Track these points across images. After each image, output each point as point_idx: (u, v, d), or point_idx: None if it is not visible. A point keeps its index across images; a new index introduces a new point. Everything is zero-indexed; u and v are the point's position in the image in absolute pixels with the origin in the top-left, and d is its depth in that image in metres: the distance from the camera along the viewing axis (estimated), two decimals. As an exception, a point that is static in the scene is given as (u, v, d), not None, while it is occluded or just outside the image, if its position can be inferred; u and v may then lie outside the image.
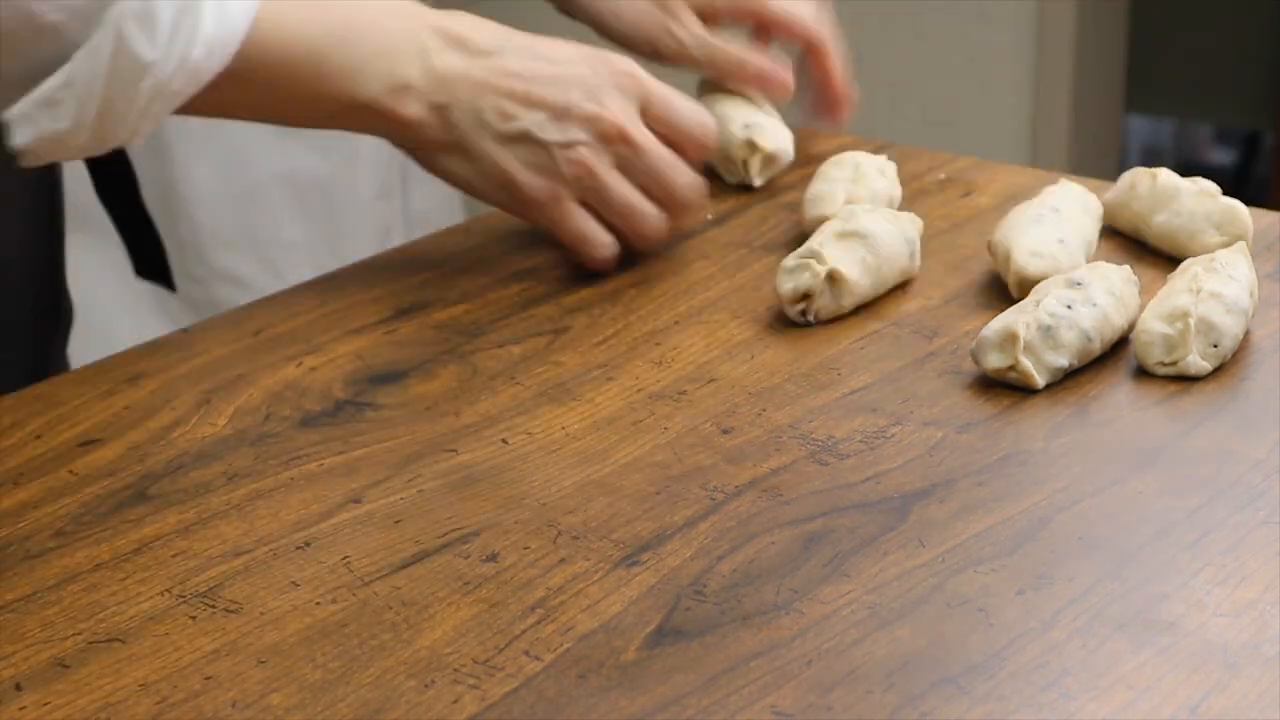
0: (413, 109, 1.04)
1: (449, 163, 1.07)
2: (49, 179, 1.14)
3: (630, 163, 1.06)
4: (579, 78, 1.06)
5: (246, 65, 0.97)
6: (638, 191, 1.07)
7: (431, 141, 1.06)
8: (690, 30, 1.19)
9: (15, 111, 0.91)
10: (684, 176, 1.09)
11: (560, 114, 1.05)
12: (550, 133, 1.05)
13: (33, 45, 0.90)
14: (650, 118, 1.07)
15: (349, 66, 1.01)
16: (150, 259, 1.18)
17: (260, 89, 1.00)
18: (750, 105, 1.24)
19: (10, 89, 0.91)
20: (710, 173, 1.26)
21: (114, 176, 1.16)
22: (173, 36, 0.92)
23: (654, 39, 1.19)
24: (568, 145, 1.05)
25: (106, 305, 2.33)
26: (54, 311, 1.16)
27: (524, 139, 1.05)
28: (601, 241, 1.07)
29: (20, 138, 0.92)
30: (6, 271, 1.10)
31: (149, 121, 0.95)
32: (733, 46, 1.19)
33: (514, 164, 1.05)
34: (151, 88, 0.93)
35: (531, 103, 1.05)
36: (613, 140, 1.06)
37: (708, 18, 1.20)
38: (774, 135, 1.22)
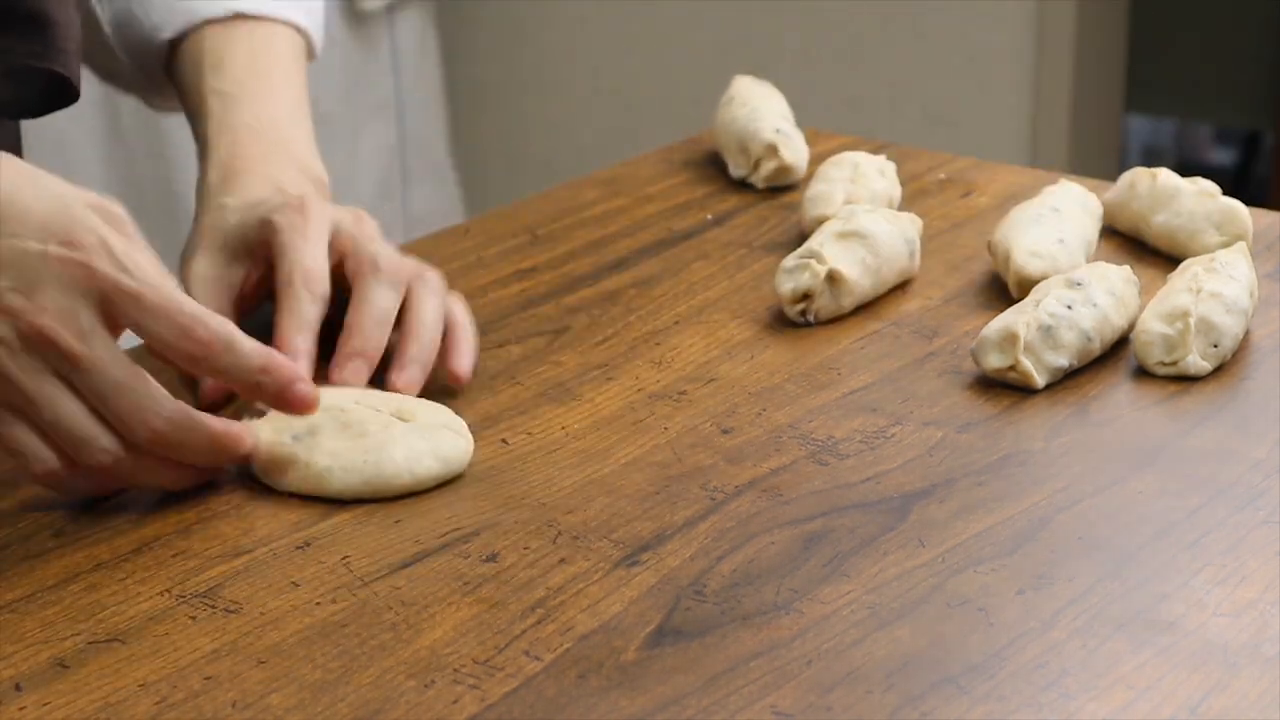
0: None
1: None
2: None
3: (69, 375, 0.82)
4: (20, 251, 0.81)
5: None
6: (78, 407, 0.83)
7: None
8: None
9: None
10: (150, 407, 0.83)
11: None
12: None
13: None
14: (117, 305, 0.83)
15: None
16: None
17: None
18: (786, 110, 1.25)
19: None
20: (713, 164, 1.27)
21: None
22: None
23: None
24: None
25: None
26: None
27: None
28: (38, 456, 0.84)
29: None
30: None
31: None
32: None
33: None
34: None
35: None
36: (39, 345, 0.81)
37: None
38: (796, 150, 1.22)
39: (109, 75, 1.21)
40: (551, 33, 2.94)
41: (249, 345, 0.86)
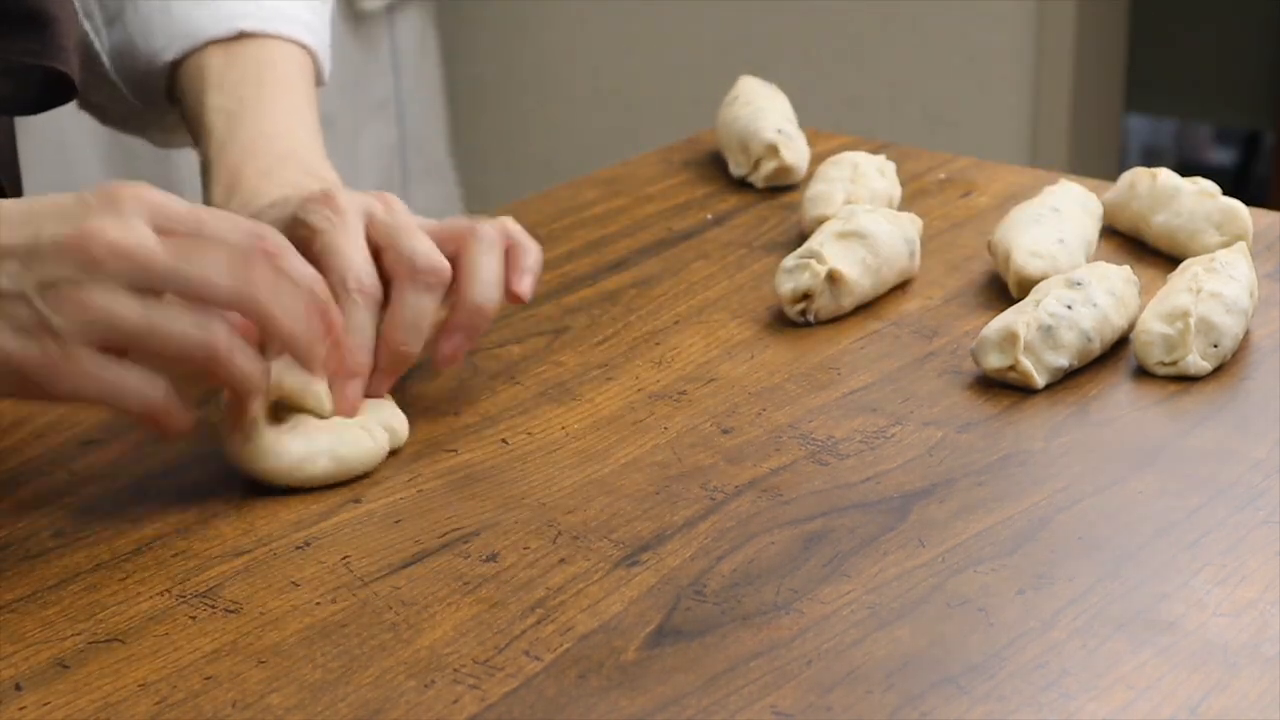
0: None
1: None
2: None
3: (146, 282, 0.80)
4: (57, 206, 0.81)
5: None
6: (168, 308, 0.81)
7: None
8: None
9: None
10: (233, 266, 0.81)
11: (31, 253, 0.79)
12: (22, 281, 0.79)
13: None
14: (173, 224, 0.81)
15: None
16: None
17: None
18: (789, 111, 1.25)
19: None
20: (713, 164, 1.27)
21: None
22: None
23: None
24: (47, 286, 0.79)
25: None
26: None
27: (1, 299, 0.79)
28: (151, 389, 0.82)
29: None
30: None
31: None
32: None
33: None
34: None
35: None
36: (103, 262, 0.79)
37: None
38: (798, 151, 1.22)
39: (114, 117, 1.20)
40: (551, 33, 2.94)
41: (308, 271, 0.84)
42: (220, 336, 0.81)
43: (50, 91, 1.01)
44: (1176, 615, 0.76)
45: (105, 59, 1.13)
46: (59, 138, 2.36)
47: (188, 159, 2.53)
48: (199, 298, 0.81)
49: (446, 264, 0.92)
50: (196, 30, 1.09)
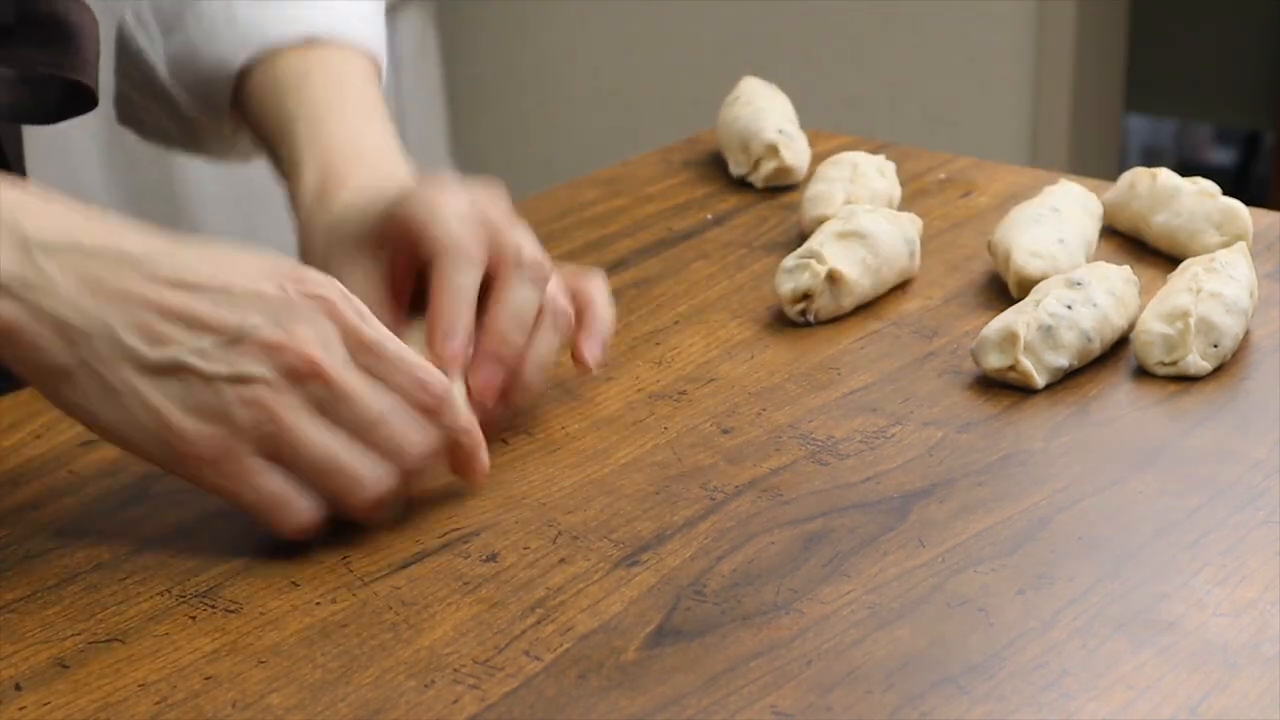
0: (9, 313, 0.77)
1: (72, 393, 0.79)
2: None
3: (332, 408, 0.80)
4: (259, 293, 0.80)
5: None
6: (343, 442, 0.80)
7: (44, 365, 0.79)
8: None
9: None
10: (406, 427, 0.82)
11: (232, 339, 0.79)
12: (216, 363, 0.79)
13: None
14: (357, 355, 0.81)
15: None
16: None
17: None
18: (790, 112, 1.25)
19: None
20: (713, 164, 1.27)
21: None
22: None
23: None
24: (241, 380, 0.79)
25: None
26: None
27: (179, 371, 0.79)
28: (295, 506, 0.81)
29: None
30: None
31: None
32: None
33: (167, 404, 0.79)
34: None
35: (192, 322, 0.79)
36: (304, 377, 0.79)
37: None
38: (798, 151, 1.22)
39: (155, 132, 1.19)
40: (551, 33, 2.94)
41: (462, 404, 0.84)
42: (383, 488, 0.81)
43: (69, 102, 1.00)
44: (1176, 615, 0.76)
45: (162, 68, 1.11)
46: (61, 141, 2.37)
47: (187, 162, 2.53)
48: (372, 439, 0.81)
49: (549, 260, 0.91)
50: (265, 37, 1.07)
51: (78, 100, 1.00)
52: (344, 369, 0.80)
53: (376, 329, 0.81)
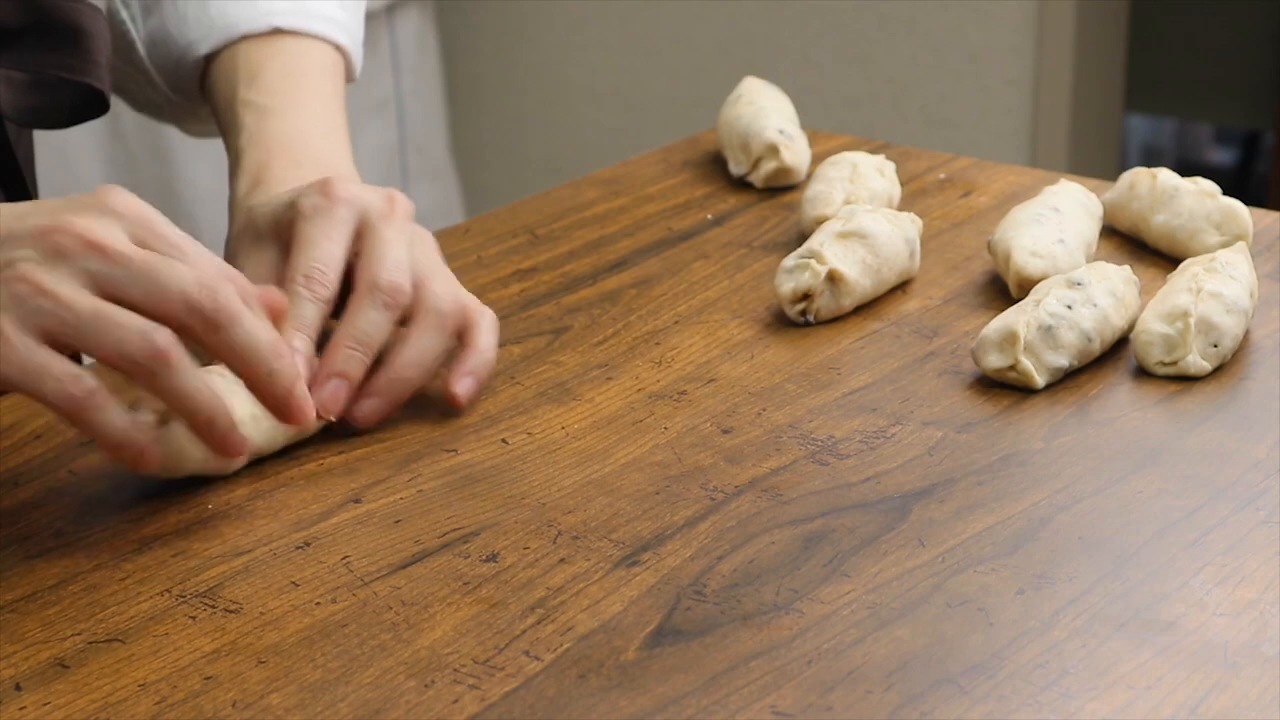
0: None
1: None
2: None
3: (115, 280, 0.79)
4: (48, 205, 0.82)
5: None
6: (128, 314, 0.79)
7: None
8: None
9: None
10: (198, 274, 0.80)
11: (4, 239, 0.79)
12: None
13: None
14: (146, 242, 0.81)
15: None
16: None
17: None
18: (792, 113, 1.25)
19: None
20: (713, 164, 1.27)
21: None
22: None
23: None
24: (4, 265, 0.79)
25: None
26: None
27: None
28: (72, 375, 0.78)
29: None
30: None
31: None
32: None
33: None
34: None
35: None
36: (70, 250, 0.79)
37: None
38: (799, 152, 1.22)
39: (144, 104, 1.21)
40: (551, 33, 2.94)
41: (267, 325, 0.83)
42: (166, 345, 0.79)
43: (81, 106, 1.01)
44: (1176, 615, 0.76)
45: (141, 48, 1.13)
46: (60, 142, 2.37)
47: (186, 159, 2.53)
48: (154, 310, 0.80)
49: (409, 288, 0.92)
50: (231, 25, 1.10)
51: (89, 104, 1.01)
52: (119, 243, 0.79)
53: (175, 230, 0.82)
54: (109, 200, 0.81)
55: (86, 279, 0.79)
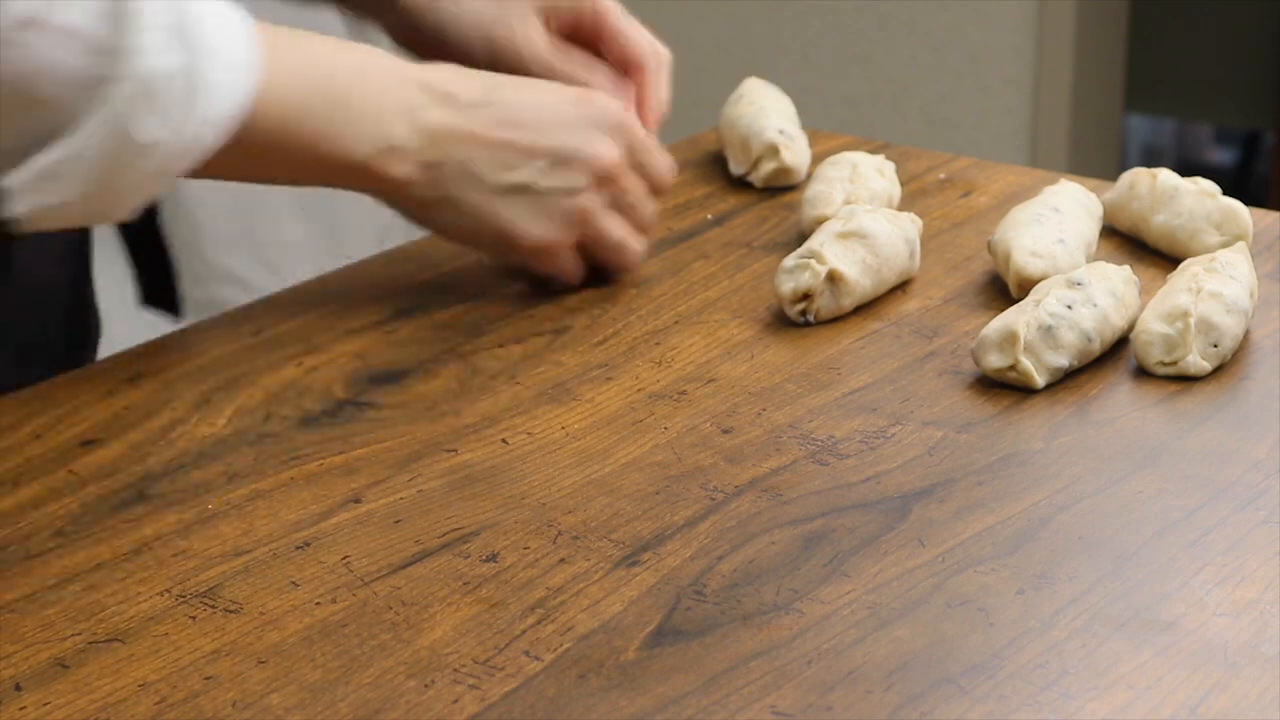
0: (401, 169, 1.01)
1: (440, 217, 1.05)
2: None
3: (617, 200, 1.07)
4: (570, 121, 1.05)
5: (245, 136, 0.95)
6: (625, 227, 1.08)
7: (426, 200, 1.03)
8: (530, 42, 1.13)
9: (13, 182, 0.89)
10: (652, 207, 1.10)
11: (558, 161, 1.04)
12: (551, 180, 1.04)
13: (30, 117, 0.88)
14: (632, 158, 1.08)
15: (341, 130, 1.00)
16: (159, 286, 1.17)
17: (256, 156, 0.98)
18: (792, 114, 1.25)
19: (5, 159, 0.89)
20: (713, 164, 1.27)
21: None
22: (176, 117, 0.90)
23: (493, 46, 1.13)
24: (570, 192, 1.05)
25: (105, 305, 2.33)
26: (83, 328, 1.15)
27: (523, 190, 1.04)
28: (578, 276, 1.08)
29: (17, 208, 0.90)
30: (41, 295, 1.09)
31: (145, 195, 0.94)
32: (575, 70, 1.13)
33: (511, 215, 1.04)
34: (153, 166, 0.91)
35: (528, 152, 1.03)
36: (607, 183, 1.05)
37: (549, 23, 1.15)
38: (799, 152, 1.22)
39: None
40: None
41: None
42: (640, 258, 1.10)
43: None
44: (1176, 615, 0.76)
45: None
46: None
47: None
48: (637, 222, 1.09)
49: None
50: None
51: None
52: (628, 172, 1.07)
53: (644, 136, 1.09)
54: (611, 124, 1.07)
55: (610, 202, 1.07)
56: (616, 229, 1.07)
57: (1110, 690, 0.72)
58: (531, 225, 1.04)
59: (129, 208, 0.94)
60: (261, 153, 0.98)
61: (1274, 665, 0.73)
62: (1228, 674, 0.73)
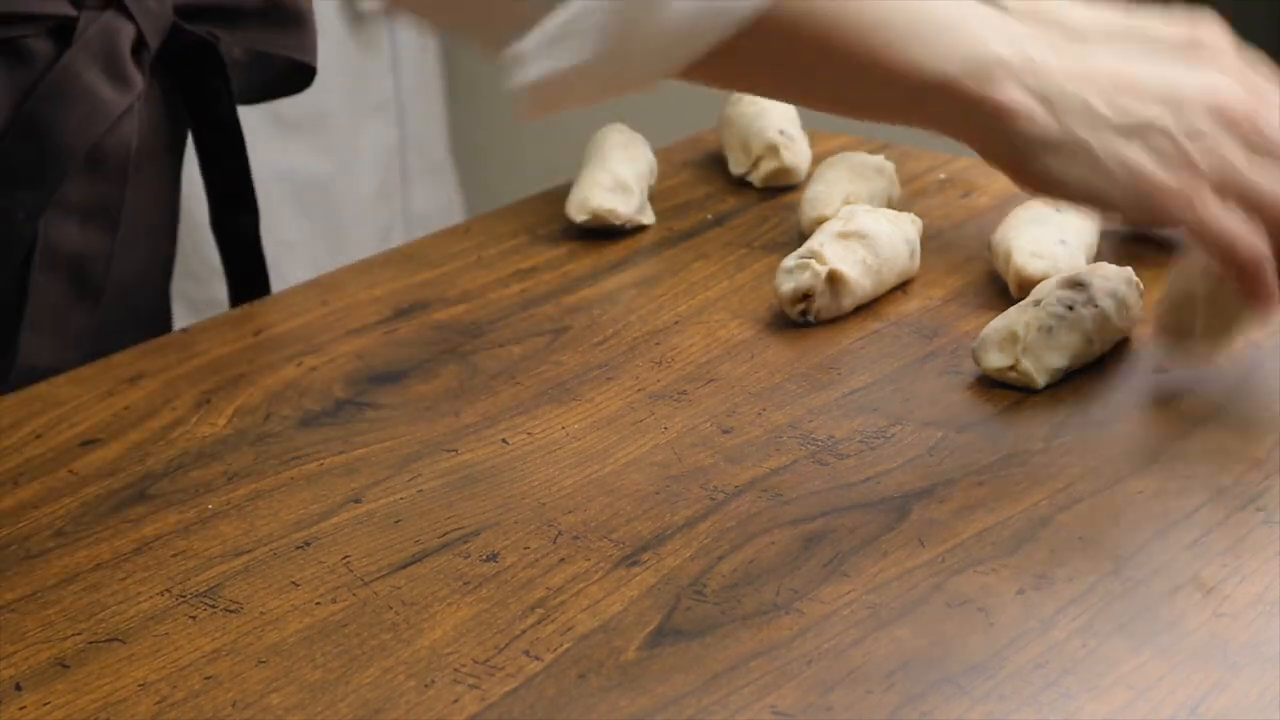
0: (1012, 93, 0.85)
1: (1056, 164, 0.87)
2: (173, 205, 1.14)
3: (1257, 149, 0.89)
4: (1178, 57, 0.92)
5: (783, 19, 0.82)
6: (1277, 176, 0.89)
7: (1035, 138, 0.86)
8: None
9: (526, 45, 0.81)
10: None
11: (1177, 101, 0.89)
12: (1175, 121, 0.88)
13: None
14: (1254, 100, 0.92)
15: (915, 34, 0.84)
16: (250, 297, 1.16)
17: (797, 53, 0.85)
18: (793, 114, 1.25)
19: (510, 25, 0.82)
20: (713, 164, 1.27)
21: (237, 208, 1.15)
22: None
23: None
24: (1196, 134, 0.89)
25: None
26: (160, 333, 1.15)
27: (1147, 130, 0.88)
28: (1251, 239, 0.88)
29: (530, 73, 0.82)
30: (125, 300, 1.09)
31: (664, 67, 0.84)
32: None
33: (1144, 158, 0.88)
34: (672, 25, 0.81)
35: (1144, 93, 0.89)
36: (1238, 122, 0.89)
37: None
38: (799, 153, 1.22)
39: None
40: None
41: None
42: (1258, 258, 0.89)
43: (280, 81, 1.08)
44: (1176, 615, 0.76)
45: None
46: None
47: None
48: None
49: None
50: None
51: (292, 79, 1.07)
52: (1265, 110, 0.90)
53: (1257, 74, 0.93)
54: (1218, 57, 0.92)
55: (1245, 147, 0.89)
56: (1265, 179, 0.89)
57: (1110, 690, 0.72)
58: (1166, 170, 0.88)
59: (647, 76, 0.84)
60: (803, 50, 0.85)
61: (1274, 665, 0.73)
62: (1228, 674, 0.73)
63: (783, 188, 1.22)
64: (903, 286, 1.08)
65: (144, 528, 0.85)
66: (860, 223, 1.05)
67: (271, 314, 1.07)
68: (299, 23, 1.09)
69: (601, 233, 1.16)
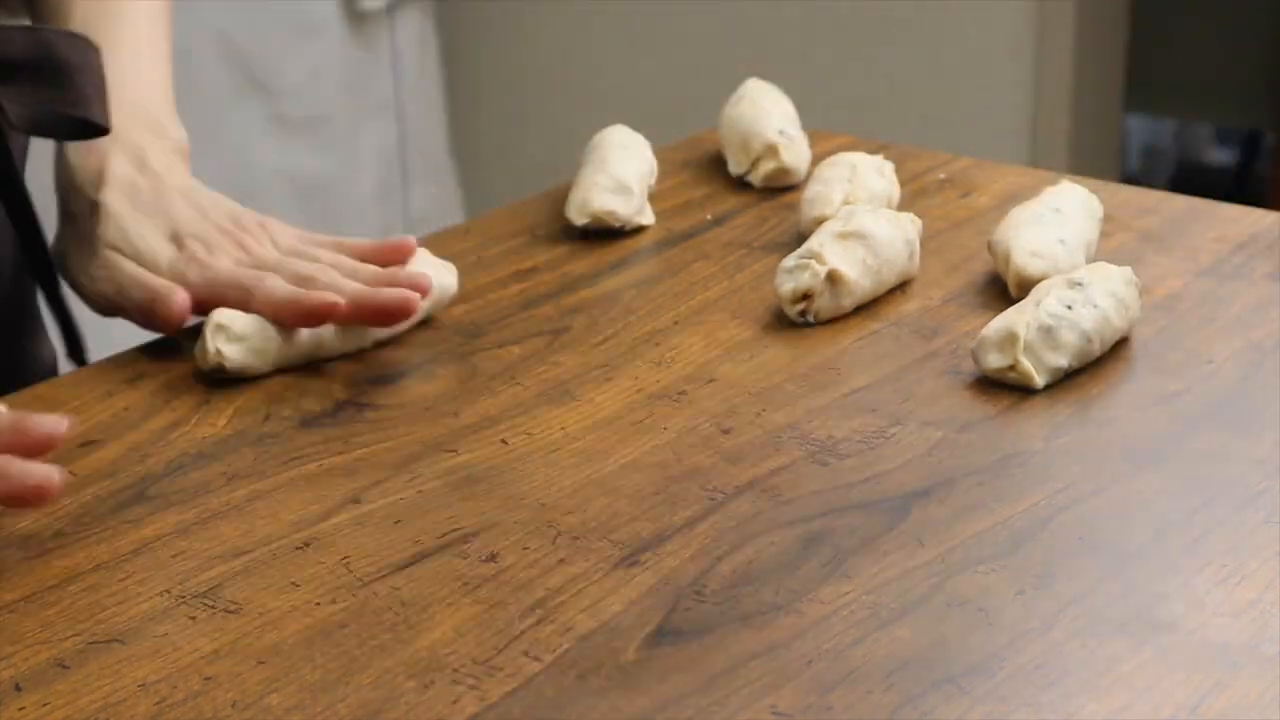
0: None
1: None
2: None
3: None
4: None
5: None
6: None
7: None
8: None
9: None
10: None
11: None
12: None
13: None
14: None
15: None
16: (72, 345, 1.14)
17: None
18: (792, 114, 1.25)
19: None
20: (713, 164, 1.27)
21: (35, 267, 1.11)
22: None
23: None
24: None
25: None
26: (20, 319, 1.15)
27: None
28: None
29: None
30: None
31: None
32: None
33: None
34: None
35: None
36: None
37: None
38: (798, 154, 1.22)
39: None
40: (551, 33, 2.94)
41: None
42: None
43: (83, 127, 1.03)
44: (1176, 615, 0.76)
45: None
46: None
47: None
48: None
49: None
50: None
51: (89, 128, 1.02)
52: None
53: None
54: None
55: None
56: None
57: (1110, 690, 0.72)
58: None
59: None
60: None
61: (1274, 665, 0.73)
62: (1228, 674, 0.73)
63: (782, 188, 1.23)
64: (902, 286, 1.08)
65: (144, 528, 0.85)
66: (860, 223, 1.05)
67: (271, 314, 1.07)
68: (71, 77, 1.03)
69: (601, 233, 1.16)
